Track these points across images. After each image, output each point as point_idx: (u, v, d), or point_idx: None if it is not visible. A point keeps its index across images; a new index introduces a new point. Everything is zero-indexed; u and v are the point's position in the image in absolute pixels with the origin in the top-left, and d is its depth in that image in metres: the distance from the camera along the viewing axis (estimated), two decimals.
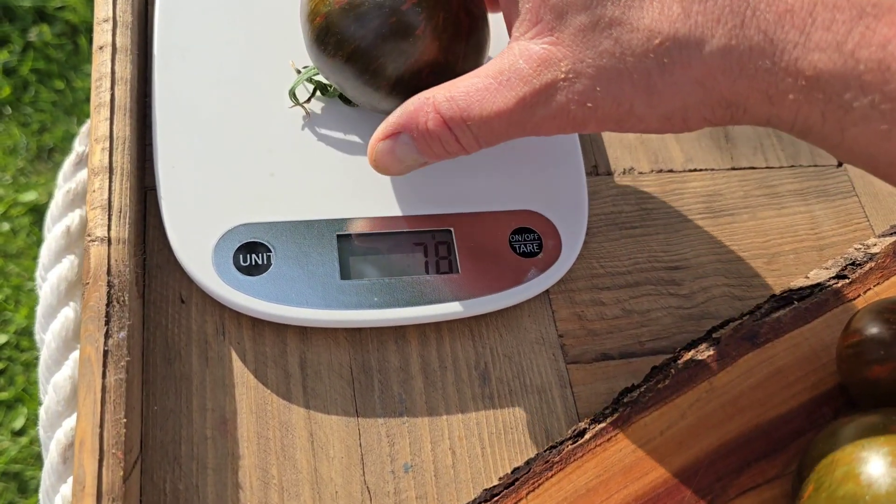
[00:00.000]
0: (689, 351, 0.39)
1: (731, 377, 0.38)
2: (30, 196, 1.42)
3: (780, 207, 0.47)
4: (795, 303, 0.41)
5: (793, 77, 0.25)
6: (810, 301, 0.41)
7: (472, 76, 0.31)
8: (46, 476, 0.41)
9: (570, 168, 0.43)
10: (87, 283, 0.34)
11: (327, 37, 0.35)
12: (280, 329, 0.38)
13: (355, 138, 0.41)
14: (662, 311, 0.42)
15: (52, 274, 0.45)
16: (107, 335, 0.32)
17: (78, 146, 0.52)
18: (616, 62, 0.28)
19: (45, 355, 0.44)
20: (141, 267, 0.38)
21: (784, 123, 0.27)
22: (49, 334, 0.44)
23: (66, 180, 0.50)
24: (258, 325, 0.38)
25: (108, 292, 0.33)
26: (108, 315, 0.33)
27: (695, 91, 0.27)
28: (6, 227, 1.39)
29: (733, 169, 0.48)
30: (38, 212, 1.42)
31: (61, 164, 0.50)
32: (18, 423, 1.25)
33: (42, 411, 0.42)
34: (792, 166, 0.49)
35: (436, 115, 0.32)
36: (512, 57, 0.30)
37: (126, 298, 0.34)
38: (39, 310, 0.46)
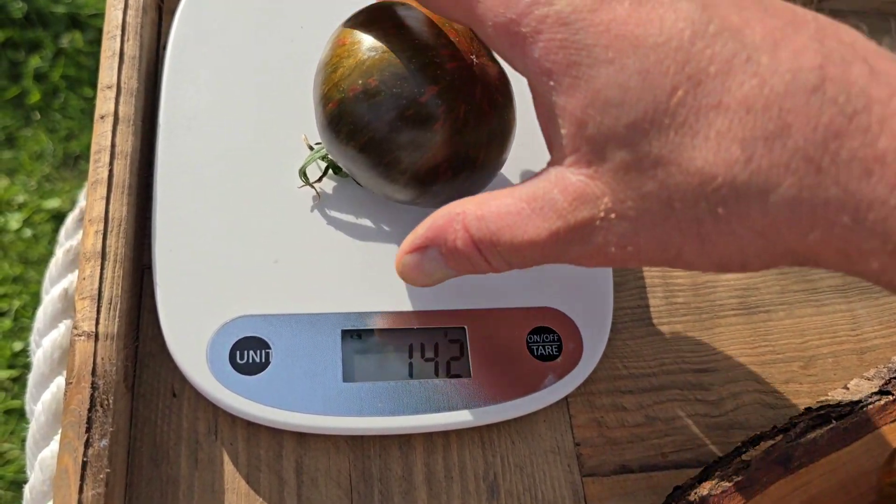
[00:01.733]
0: (715, 472, 0.36)
1: None
2: (53, 203, 1.41)
3: (819, 305, 0.43)
4: (833, 422, 0.37)
5: (880, 239, 0.22)
6: (850, 420, 0.37)
7: (506, 196, 0.28)
8: None
9: None
10: (70, 384, 0.31)
11: (340, 124, 0.32)
12: (277, 431, 0.35)
13: (367, 223, 0.38)
14: (688, 420, 0.39)
15: (46, 340, 0.43)
16: (87, 444, 0.30)
17: (81, 200, 0.50)
18: (661, 207, 0.25)
19: (33, 428, 0.42)
20: (132, 358, 0.35)
21: (868, 277, 0.24)
22: (39, 405, 0.42)
23: (68, 237, 0.48)
24: (254, 425, 0.35)
25: (92, 395, 0.31)
26: (89, 421, 0.31)
27: (755, 242, 0.24)
28: (28, 233, 1.38)
29: None
30: (60, 219, 1.42)
31: (64, 221, 0.49)
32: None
33: (27, 490, 0.40)
34: None
35: (465, 234, 0.29)
36: (547, 184, 0.27)
37: (111, 401, 0.31)
38: (31, 378, 0.44)
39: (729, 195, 0.23)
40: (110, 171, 0.35)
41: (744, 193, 0.23)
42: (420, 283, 0.33)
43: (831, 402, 0.38)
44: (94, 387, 0.31)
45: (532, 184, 0.28)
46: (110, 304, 0.33)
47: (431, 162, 0.32)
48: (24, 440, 1.19)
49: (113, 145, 0.36)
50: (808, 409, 0.38)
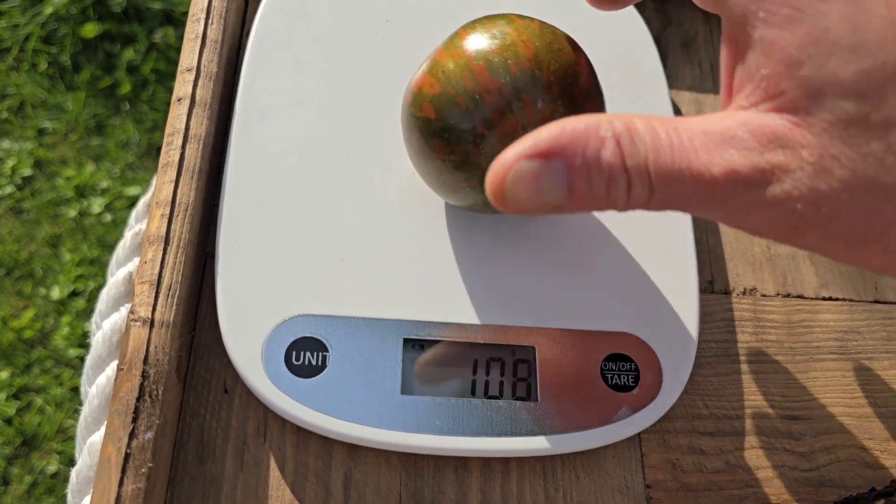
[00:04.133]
0: None
1: None
2: (134, 190, 1.44)
3: None
4: None
5: None
6: None
7: (669, 120, 0.23)
8: None
9: (683, 285, 0.37)
10: (122, 370, 0.30)
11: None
12: (327, 439, 0.33)
13: (440, 230, 0.36)
14: (774, 471, 0.36)
15: (106, 323, 0.42)
16: (132, 435, 0.29)
17: (154, 184, 0.49)
18: (883, 171, 0.20)
19: (85, 411, 0.41)
20: (187, 348, 0.34)
21: None
22: (94, 388, 0.41)
23: (138, 220, 0.47)
24: (304, 430, 0.33)
25: (142, 384, 0.30)
26: (136, 411, 0.29)
27: None
28: (108, 217, 1.41)
29: (877, 302, 0.41)
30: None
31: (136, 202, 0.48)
32: None
33: (73, 474, 0.39)
34: None
35: (615, 146, 0.23)
36: (728, 122, 0.22)
37: (160, 392, 0.30)
38: (88, 360, 0.43)
39: None
40: (182, 155, 0.34)
41: None
42: (524, 206, 0.24)
43: None
44: (144, 375, 0.30)
45: (704, 119, 0.23)
46: (169, 290, 0.32)
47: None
48: None
49: (187, 128, 0.35)
50: None
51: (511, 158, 0.24)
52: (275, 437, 0.33)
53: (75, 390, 1.26)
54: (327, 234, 0.35)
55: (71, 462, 1.21)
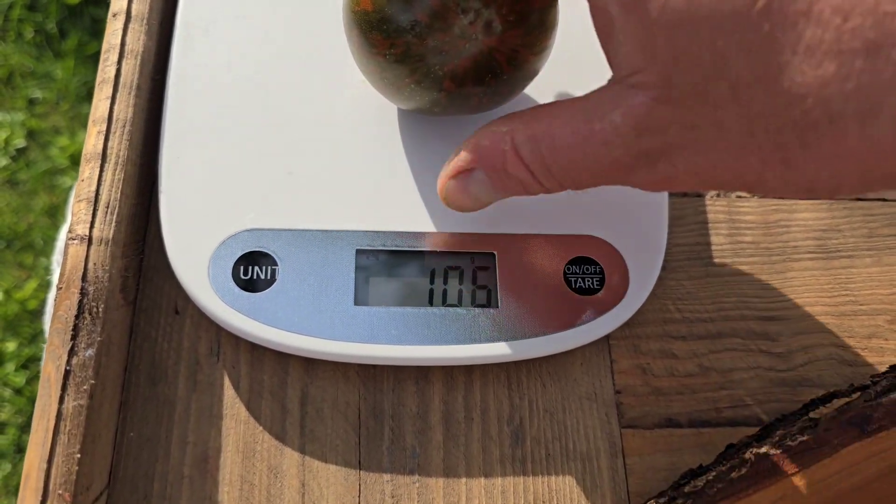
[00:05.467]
0: (778, 430, 0.31)
1: (830, 472, 0.30)
2: None
3: None
4: None
5: None
6: None
7: (558, 112, 0.25)
8: None
9: None
10: (60, 289, 0.29)
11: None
12: (283, 356, 0.32)
13: (391, 136, 0.34)
14: (749, 372, 0.34)
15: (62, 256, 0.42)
16: (71, 352, 0.28)
17: None
18: (741, 135, 0.21)
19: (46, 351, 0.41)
20: (135, 269, 0.33)
21: None
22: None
23: None
24: (258, 348, 0.32)
25: (80, 301, 0.29)
26: (75, 328, 0.28)
27: (850, 166, 0.20)
28: None
29: (858, 200, 0.39)
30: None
31: None
32: None
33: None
34: None
35: (515, 157, 0.26)
36: (608, 102, 0.24)
37: (101, 310, 0.29)
38: (48, 298, 0.42)
39: (821, 118, 0.19)
40: (118, 70, 0.33)
41: (839, 115, 0.19)
42: (467, 208, 0.30)
43: None
44: (83, 293, 0.29)
45: (589, 100, 0.24)
46: (107, 207, 0.31)
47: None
48: None
49: (122, 44, 0.33)
50: (893, 367, 0.33)
51: (442, 178, 0.29)
52: (228, 357, 0.32)
53: None
54: (274, 149, 0.34)
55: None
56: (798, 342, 0.35)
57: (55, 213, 1.36)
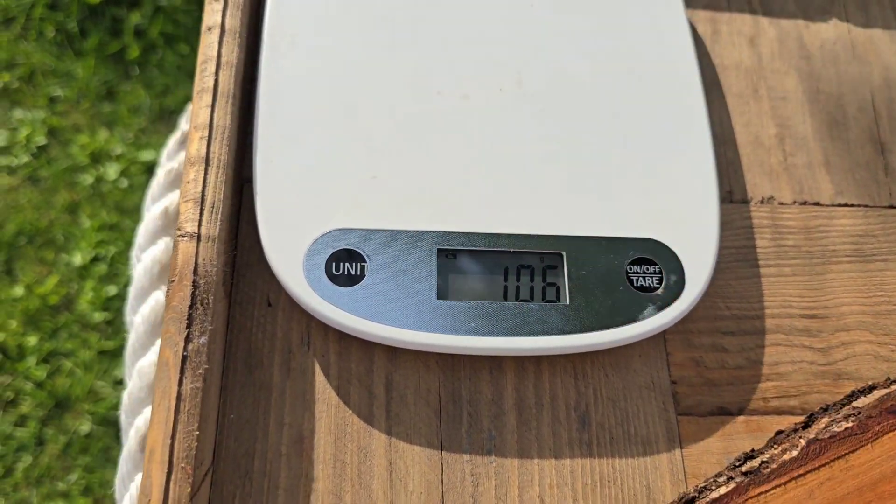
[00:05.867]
0: (824, 418, 0.34)
1: (873, 456, 0.33)
2: (148, 155, 1.46)
3: None
4: None
5: None
6: None
7: None
8: (123, 462, 0.40)
9: (702, 192, 0.38)
10: (173, 281, 0.32)
11: None
12: (368, 345, 0.35)
13: (469, 144, 0.37)
14: (793, 366, 0.37)
15: (146, 255, 0.44)
16: (187, 339, 0.31)
17: (183, 124, 0.51)
18: None
19: (132, 339, 0.43)
20: (230, 265, 0.36)
21: None
22: (138, 317, 0.43)
23: (169, 159, 0.48)
24: (345, 338, 0.35)
25: (193, 293, 0.31)
26: (190, 318, 0.31)
27: None
28: (125, 183, 1.43)
29: (891, 207, 0.42)
30: (154, 171, 1.46)
31: (166, 142, 0.50)
32: (121, 374, 1.29)
33: (125, 396, 0.42)
34: None
35: None
36: None
37: (211, 300, 0.32)
38: (131, 291, 0.45)
39: None
40: (216, 81, 0.36)
41: None
42: None
43: None
44: (195, 285, 0.32)
45: None
46: (213, 207, 0.33)
47: None
48: (116, 381, 1.25)
49: (219, 55, 0.36)
50: None
51: None
52: (318, 346, 0.35)
53: (103, 353, 1.28)
54: (359, 153, 0.36)
55: (104, 422, 1.24)
56: (837, 339, 0.38)
57: (76, 210, 1.39)
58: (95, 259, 1.36)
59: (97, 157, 1.44)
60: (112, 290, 1.35)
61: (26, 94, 1.49)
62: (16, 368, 1.26)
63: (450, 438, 0.34)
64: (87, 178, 1.41)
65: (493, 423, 0.34)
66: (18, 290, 1.32)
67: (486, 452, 0.34)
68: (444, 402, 0.35)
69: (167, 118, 1.50)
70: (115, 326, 1.32)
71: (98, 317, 1.32)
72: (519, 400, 0.35)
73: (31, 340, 1.28)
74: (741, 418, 0.36)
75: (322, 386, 0.34)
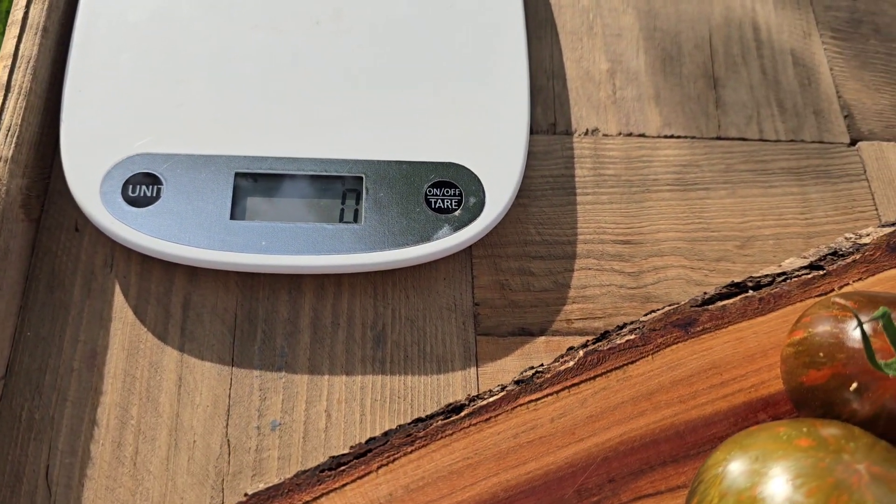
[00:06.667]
0: (612, 334, 0.34)
1: (652, 367, 0.33)
2: None
3: (767, 186, 0.41)
4: (750, 291, 0.35)
5: None
6: (768, 291, 0.35)
7: None
8: None
9: (512, 122, 0.38)
10: None
11: None
12: (170, 268, 0.36)
13: (273, 70, 0.38)
14: (601, 289, 0.38)
15: None
16: None
17: None
18: None
19: None
20: (41, 191, 0.37)
21: None
22: None
23: None
24: (148, 261, 0.36)
25: None
26: None
27: None
28: None
29: (718, 139, 0.42)
30: None
31: None
32: None
33: None
34: (791, 141, 0.42)
35: None
36: None
37: None
38: None
39: None
40: (25, 13, 0.37)
41: None
42: None
43: (754, 276, 0.36)
44: None
45: None
46: (9, 130, 0.34)
47: None
48: None
49: None
50: (731, 284, 0.36)
51: None
52: (121, 268, 0.36)
53: None
54: (167, 83, 0.37)
55: None
56: (650, 263, 0.38)
57: None
58: None
59: None
60: None
61: None
62: None
63: (241, 355, 0.35)
64: None
65: (287, 341, 0.35)
66: None
67: (276, 369, 0.35)
68: (240, 321, 0.35)
69: None
70: None
71: None
72: (315, 319, 0.36)
73: None
74: (542, 339, 0.36)
75: (120, 305, 0.35)
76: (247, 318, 0.35)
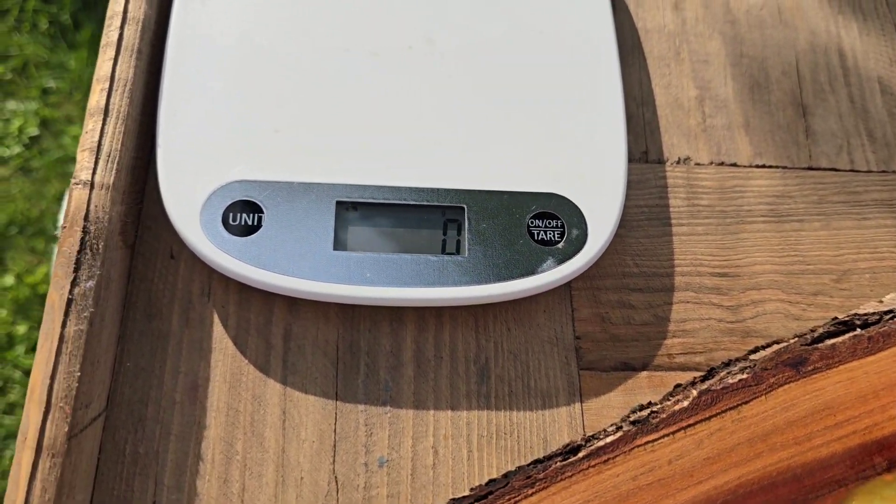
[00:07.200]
0: (722, 371, 0.34)
1: (766, 408, 0.33)
2: None
3: (860, 218, 0.40)
4: (858, 329, 0.35)
5: None
6: (878, 329, 0.35)
7: None
8: None
9: (610, 150, 0.38)
10: (65, 228, 0.32)
11: None
12: (269, 297, 0.35)
13: (375, 98, 0.37)
14: (701, 323, 0.37)
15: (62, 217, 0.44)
16: (73, 283, 0.31)
17: None
18: None
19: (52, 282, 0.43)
20: (134, 216, 0.36)
21: None
22: None
23: None
24: (246, 290, 0.35)
25: (83, 239, 0.32)
26: (77, 262, 0.31)
27: None
28: None
29: (810, 169, 0.41)
30: None
31: None
32: None
33: None
34: (883, 172, 0.42)
35: None
36: None
37: (101, 247, 0.32)
38: (55, 253, 0.45)
39: None
40: (120, 35, 0.36)
41: None
42: None
43: (860, 313, 0.36)
44: (85, 231, 0.32)
45: None
46: (109, 156, 0.34)
47: None
48: None
49: (125, 11, 0.36)
50: (834, 320, 0.35)
51: None
52: (218, 297, 0.35)
53: None
54: (263, 107, 0.37)
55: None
56: (748, 297, 0.38)
57: None
58: None
59: None
60: None
61: (19, 86, 1.50)
62: (5, 357, 1.27)
63: (345, 389, 0.34)
64: None
65: (391, 375, 0.35)
66: (8, 280, 1.33)
67: (381, 403, 0.34)
68: (342, 354, 0.35)
69: None
70: None
71: None
72: (417, 352, 0.35)
73: (21, 329, 1.29)
74: (644, 374, 0.36)
75: (220, 336, 0.35)
76: (349, 350, 0.35)
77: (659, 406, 0.33)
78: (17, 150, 1.44)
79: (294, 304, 0.35)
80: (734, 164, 0.41)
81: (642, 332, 0.37)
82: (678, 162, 0.41)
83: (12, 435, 1.21)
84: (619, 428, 0.32)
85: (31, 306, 1.31)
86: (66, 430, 0.29)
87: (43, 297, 1.31)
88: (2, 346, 1.28)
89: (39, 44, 1.54)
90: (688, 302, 0.38)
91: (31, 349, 1.27)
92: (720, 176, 0.41)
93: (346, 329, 0.35)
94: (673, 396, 0.33)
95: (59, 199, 1.38)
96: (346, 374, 0.34)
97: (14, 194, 1.40)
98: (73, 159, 1.42)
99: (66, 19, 1.54)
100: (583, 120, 0.38)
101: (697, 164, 0.41)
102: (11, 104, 1.49)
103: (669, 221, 0.39)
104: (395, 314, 0.36)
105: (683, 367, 0.36)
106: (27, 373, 1.25)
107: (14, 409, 1.24)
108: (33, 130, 1.46)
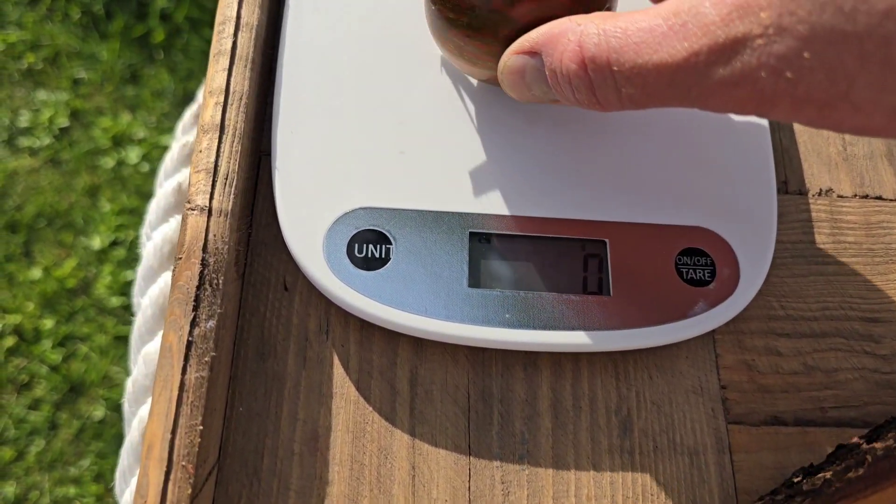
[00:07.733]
0: (888, 433, 0.31)
1: None
2: (170, 140, 1.43)
3: None
4: None
5: None
6: None
7: (638, 13, 0.23)
8: (125, 455, 0.38)
9: (759, 180, 0.35)
10: (180, 259, 0.29)
11: None
12: (392, 336, 0.32)
13: (507, 120, 0.34)
14: (853, 373, 0.34)
15: (157, 234, 0.42)
16: (193, 323, 0.28)
17: (200, 96, 0.48)
18: (842, 20, 0.19)
19: (138, 322, 0.41)
20: (244, 243, 0.33)
21: None
22: (146, 299, 0.41)
23: (185, 133, 0.46)
24: (367, 327, 0.32)
25: (202, 272, 0.29)
26: (197, 299, 0.28)
27: None
28: (146, 167, 1.41)
29: None
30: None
31: (181, 115, 0.47)
32: None
33: (129, 383, 0.39)
34: None
35: (576, 48, 0.24)
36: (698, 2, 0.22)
37: (220, 281, 0.29)
38: (139, 271, 0.42)
39: None
40: (234, 42, 0.33)
41: None
42: (517, 94, 0.29)
43: None
44: (203, 263, 0.29)
45: (674, 0, 0.23)
46: (226, 179, 0.31)
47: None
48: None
49: (238, 16, 0.33)
50: None
51: (506, 52, 0.28)
52: (338, 334, 0.32)
53: (119, 338, 1.27)
54: (386, 127, 0.34)
55: (117, 408, 1.23)
56: None
57: (96, 194, 1.37)
58: (114, 243, 1.35)
59: (119, 141, 1.42)
60: (130, 274, 1.33)
61: (50, 76, 1.48)
62: (31, 351, 1.25)
63: (479, 441, 0.31)
64: (109, 162, 1.39)
65: (527, 426, 0.31)
66: (36, 273, 1.31)
67: (518, 458, 0.31)
68: (474, 401, 0.32)
69: (190, 103, 1.47)
70: (132, 312, 1.30)
71: (115, 301, 1.30)
72: (555, 401, 0.32)
73: (48, 324, 1.27)
74: (796, 429, 0.33)
75: (340, 379, 0.31)
76: (480, 398, 0.32)
77: (830, 472, 0.29)
78: (46, 140, 1.41)
79: (419, 345, 0.32)
80: (879, 198, 0.38)
81: (791, 383, 0.34)
82: (820, 193, 0.38)
83: (37, 431, 1.19)
84: (789, 497, 0.29)
85: (57, 300, 1.29)
86: (189, 491, 0.26)
87: (71, 292, 1.29)
88: (28, 341, 1.26)
89: (71, 34, 1.51)
90: (838, 349, 0.34)
91: (58, 344, 1.25)
92: (865, 210, 0.37)
93: (476, 374, 0.32)
94: (842, 461, 0.30)
95: (90, 194, 1.36)
96: (479, 425, 0.31)
97: (43, 186, 1.38)
98: (103, 151, 1.39)
99: (99, 9, 1.51)
100: (728, 148, 0.35)
101: (840, 197, 0.38)
102: (42, 94, 1.46)
103: (814, 259, 0.36)
104: (529, 357, 0.33)
105: (837, 423, 0.33)
106: (53, 368, 1.23)
107: (39, 404, 1.22)
108: (63, 121, 1.43)
